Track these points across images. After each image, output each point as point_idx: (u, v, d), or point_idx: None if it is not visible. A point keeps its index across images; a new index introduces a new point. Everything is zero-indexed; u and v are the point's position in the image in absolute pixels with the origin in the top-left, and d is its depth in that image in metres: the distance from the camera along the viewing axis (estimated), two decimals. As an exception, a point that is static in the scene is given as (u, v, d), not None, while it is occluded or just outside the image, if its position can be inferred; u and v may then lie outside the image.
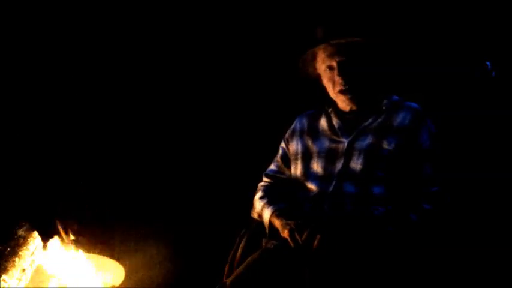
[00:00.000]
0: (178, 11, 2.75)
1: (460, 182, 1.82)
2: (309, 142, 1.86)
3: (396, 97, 1.83)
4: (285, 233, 1.66)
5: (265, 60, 2.64)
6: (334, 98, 1.84)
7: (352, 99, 1.78)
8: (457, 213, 1.72)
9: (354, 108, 1.80)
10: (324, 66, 1.79)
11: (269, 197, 1.86)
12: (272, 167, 1.97)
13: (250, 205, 1.92)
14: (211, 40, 2.75)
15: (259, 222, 1.86)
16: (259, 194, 1.90)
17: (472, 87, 2.38)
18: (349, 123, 1.81)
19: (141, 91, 2.78)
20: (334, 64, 1.75)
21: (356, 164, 1.70)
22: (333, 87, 1.79)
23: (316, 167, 1.78)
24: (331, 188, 1.70)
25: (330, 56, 1.75)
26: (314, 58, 1.83)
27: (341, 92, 1.78)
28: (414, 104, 1.78)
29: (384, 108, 1.78)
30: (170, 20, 2.75)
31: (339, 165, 1.73)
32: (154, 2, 2.75)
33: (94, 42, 2.73)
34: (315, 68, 1.85)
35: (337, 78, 1.76)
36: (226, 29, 2.72)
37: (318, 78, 1.86)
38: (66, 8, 2.68)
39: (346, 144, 1.76)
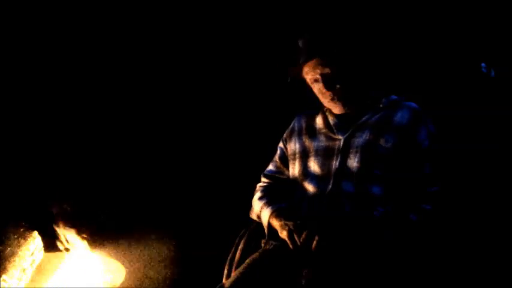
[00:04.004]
0: (178, 11, 2.75)
1: (459, 182, 1.82)
2: (307, 141, 1.85)
3: (394, 96, 1.82)
4: (283, 234, 1.65)
5: (263, 60, 2.64)
6: (327, 106, 1.82)
7: (346, 104, 1.77)
8: (456, 213, 1.72)
9: (349, 110, 1.79)
10: (309, 79, 1.77)
11: (268, 197, 1.85)
12: (270, 167, 1.96)
13: (249, 206, 1.92)
14: (211, 41, 2.75)
15: (259, 222, 1.85)
16: (257, 194, 1.89)
17: (471, 87, 2.38)
18: (345, 120, 1.79)
19: (140, 92, 2.78)
20: (319, 77, 1.73)
21: (353, 162, 1.69)
22: (322, 98, 1.79)
23: (314, 165, 1.77)
24: (329, 188, 1.69)
25: (313, 69, 1.74)
26: (300, 69, 1.80)
27: (332, 100, 1.77)
28: (413, 104, 1.77)
29: (381, 106, 1.77)
30: (170, 20, 2.75)
31: (336, 163, 1.72)
32: (154, 2, 2.75)
33: (94, 42, 2.73)
34: (303, 77, 1.82)
35: (324, 91, 1.75)
36: (226, 30, 2.72)
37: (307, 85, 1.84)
38: (66, 8, 2.68)
39: (342, 141, 1.75)
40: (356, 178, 1.67)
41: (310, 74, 1.76)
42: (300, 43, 1.77)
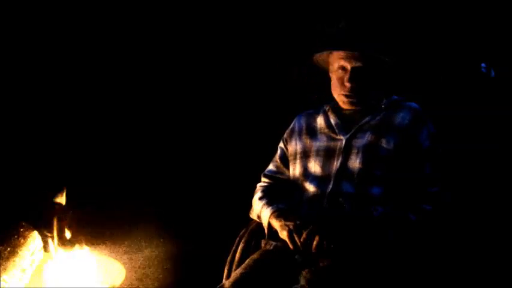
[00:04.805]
0: (178, 11, 2.75)
1: (460, 182, 1.82)
2: (307, 141, 1.84)
3: (395, 97, 1.81)
4: (283, 235, 1.64)
5: (263, 61, 2.64)
6: (335, 97, 1.82)
7: (356, 102, 1.77)
8: (456, 213, 1.72)
9: (356, 108, 1.79)
10: (337, 65, 1.76)
11: (268, 197, 1.84)
12: (271, 167, 1.95)
13: (249, 205, 1.92)
14: (211, 41, 2.75)
15: (259, 222, 1.85)
16: (258, 194, 1.88)
17: (471, 87, 2.39)
18: (347, 120, 1.79)
19: (141, 91, 2.79)
20: (348, 67, 1.72)
21: (354, 163, 1.69)
22: (339, 88, 1.77)
23: (314, 166, 1.77)
24: (329, 188, 1.68)
25: (347, 58, 1.72)
26: (330, 52, 1.79)
27: (346, 95, 1.76)
28: (414, 104, 1.77)
29: (382, 106, 1.77)
30: (170, 20, 2.75)
31: (337, 164, 1.72)
32: (154, 2, 2.76)
33: (94, 42, 2.73)
34: (326, 61, 1.82)
35: (347, 83, 1.73)
36: (226, 30, 2.72)
37: (326, 69, 1.84)
38: (66, 8, 2.68)
39: (344, 141, 1.74)
40: (357, 179, 1.67)
41: (341, 62, 1.74)
42: (341, 26, 1.75)
